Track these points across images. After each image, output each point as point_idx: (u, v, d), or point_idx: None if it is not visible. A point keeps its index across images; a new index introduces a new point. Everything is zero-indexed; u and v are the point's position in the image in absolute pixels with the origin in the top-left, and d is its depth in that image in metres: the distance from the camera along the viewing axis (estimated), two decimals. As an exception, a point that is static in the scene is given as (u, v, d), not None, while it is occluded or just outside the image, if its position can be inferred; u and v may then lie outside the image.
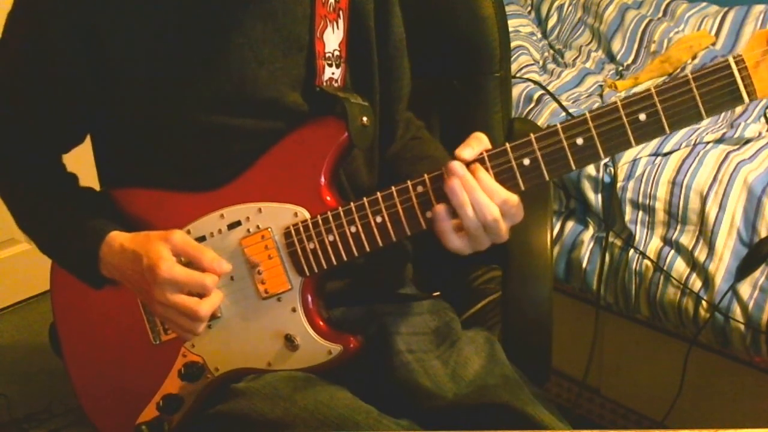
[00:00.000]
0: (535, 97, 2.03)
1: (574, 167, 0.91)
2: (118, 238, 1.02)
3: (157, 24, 0.98)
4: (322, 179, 1.02)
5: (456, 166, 0.92)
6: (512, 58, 2.21)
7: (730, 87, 0.86)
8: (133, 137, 1.07)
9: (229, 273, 1.01)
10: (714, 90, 0.86)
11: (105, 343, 1.12)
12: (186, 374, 1.07)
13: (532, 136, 0.91)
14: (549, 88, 2.08)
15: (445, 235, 0.94)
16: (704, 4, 2.33)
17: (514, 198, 0.92)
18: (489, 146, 0.94)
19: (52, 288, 1.17)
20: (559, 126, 0.90)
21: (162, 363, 1.08)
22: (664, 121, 0.88)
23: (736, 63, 0.85)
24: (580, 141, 0.90)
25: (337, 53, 1.07)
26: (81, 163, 1.19)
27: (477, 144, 0.94)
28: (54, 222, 1.08)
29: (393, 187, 0.97)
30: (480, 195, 0.91)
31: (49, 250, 1.11)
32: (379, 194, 0.98)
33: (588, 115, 0.90)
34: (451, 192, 0.92)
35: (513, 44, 2.20)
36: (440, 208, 0.93)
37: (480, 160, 0.93)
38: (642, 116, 0.88)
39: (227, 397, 1.04)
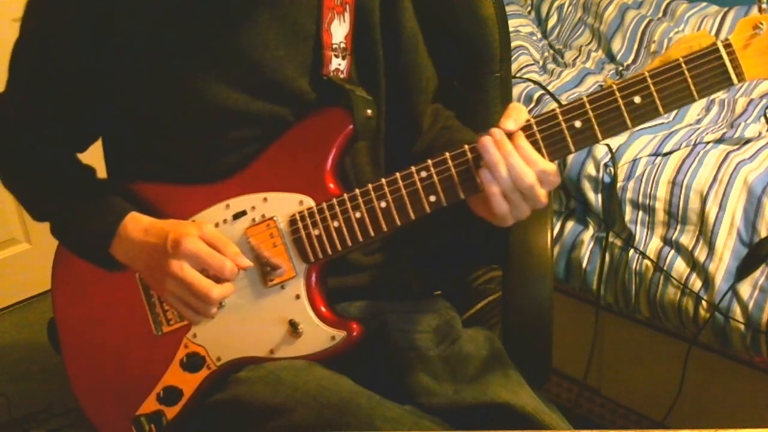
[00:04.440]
0: (535, 97, 2.03)
1: (572, 149, 0.94)
2: (145, 217, 1.04)
3: (167, 9, 1.01)
4: (327, 168, 1.04)
5: (494, 129, 0.93)
6: (512, 58, 2.21)
7: (719, 69, 0.90)
8: (140, 126, 1.08)
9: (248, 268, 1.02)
10: (704, 72, 0.90)
11: (105, 336, 1.12)
12: (187, 364, 1.07)
13: (532, 120, 0.94)
14: (549, 88, 2.08)
15: (492, 198, 0.94)
16: (704, 4, 2.33)
17: (550, 166, 0.94)
18: (527, 116, 0.95)
19: (53, 282, 1.17)
20: (557, 110, 0.93)
21: (163, 354, 1.09)
22: (658, 102, 0.91)
23: (725, 46, 0.90)
24: (578, 124, 0.93)
25: (342, 45, 1.08)
26: (88, 160, 1.19)
27: (517, 114, 0.95)
28: (75, 202, 1.09)
29: (397, 173, 0.99)
30: (516, 159, 0.92)
31: (64, 229, 1.11)
32: (383, 180, 0.99)
33: (585, 99, 0.93)
34: (483, 149, 0.93)
35: (513, 44, 2.20)
36: (485, 172, 0.94)
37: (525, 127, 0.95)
38: (637, 99, 0.91)
39: (227, 385, 1.04)
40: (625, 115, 0.92)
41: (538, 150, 0.94)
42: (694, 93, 0.91)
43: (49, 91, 1.07)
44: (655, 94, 0.91)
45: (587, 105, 0.92)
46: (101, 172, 1.18)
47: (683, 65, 0.90)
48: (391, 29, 1.12)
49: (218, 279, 0.98)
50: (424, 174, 0.97)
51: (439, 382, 1.06)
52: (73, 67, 1.04)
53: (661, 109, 0.91)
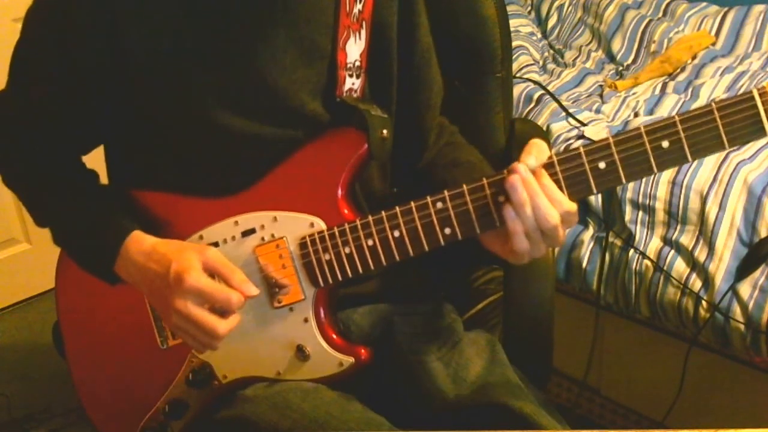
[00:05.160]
0: (535, 97, 2.03)
1: (595, 191, 0.91)
2: (148, 238, 1.00)
3: (179, 28, 0.98)
4: (340, 191, 1.01)
5: (520, 167, 0.90)
6: (512, 58, 2.20)
7: (753, 119, 0.85)
8: (150, 139, 1.06)
9: (255, 296, 0.98)
10: (737, 121, 0.85)
11: (110, 346, 1.11)
12: (193, 380, 1.06)
13: (555, 158, 0.91)
14: (549, 88, 2.08)
15: (515, 237, 0.91)
16: (704, 4, 2.33)
17: (574, 206, 0.91)
18: (548, 153, 0.92)
19: (57, 289, 1.15)
20: (582, 149, 0.90)
21: (169, 368, 1.07)
22: (686, 149, 0.87)
23: (761, 95, 0.85)
24: (602, 165, 0.89)
25: (357, 63, 1.06)
26: (90, 162, 1.17)
27: (538, 151, 0.92)
28: (75, 214, 1.07)
29: (412, 203, 0.96)
30: (542, 199, 0.89)
31: (66, 241, 1.09)
32: (398, 209, 0.97)
33: (611, 140, 0.89)
34: (511, 189, 0.90)
35: (513, 44, 2.20)
36: (509, 211, 0.91)
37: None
38: (665, 143, 0.87)
39: (234, 402, 1.03)
40: (652, 160, 0.88)
41: (560, 189, 0.90)
42: (725, 142, 0.86)
43: (50, 93, 1.05)
44: (684, 140, 0.87)
45: (613, 146, 0.88)
46: (102, 174, 1.16)
47: (715, 112, 0.85)
48: (406, 45, 1.09)
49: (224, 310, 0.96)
50: (440, 205, 0.95)
51: (440, 386, 1.06)
52: (76, 71, 1.01)
53: (689, 156, 0.87)
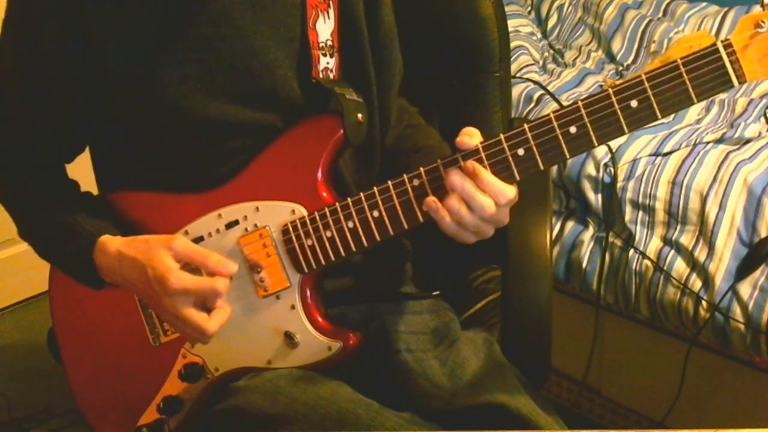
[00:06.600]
0: (535, 97, 2.03)
1: (568, 156, 0.92)
2: (112, 243, 1.01)
3: (147, 20, 0.98)
4: (319, 176, 1.02)
5: (455, 179, 0.93)
6: (512, 58, 2.21)
7: (719, 71, 0.87)
8: (129, 137, 1.06)
9: (236, 272, 1.00)
10: (704, 74, 0.87)
11: (104, 346, 1.12)
12: (186, 375, 1.07)
13: (526, 126, 0.92)
14: (549, 88, 2.08)
15: (449, 228, 0.95)
16: (704, 4, 2.33)
17: (511, 191, 0.94)
18: (481, 139, 0.96)
19: (50, 291, 1.16)
20: (552, 115, 0.91)
21: (162, 364, 1.08)
22: (655, 106, 0.89)
23: (725, 47, 0.86)
24: (573, 129, 0.91)
25: (330, 43, 1.07)
26: (80, 168, 1.18)
27: (472, 136, 0.95)
28: (49, 228, 1.07)
29: (389, 181, 0.97)
30: (480, 199, 0.92)
31: (47, 256, 1.11)
32: (375, 188, 0.98)
33: (580, 103, 0.90)
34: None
35: (513, 44, 2.20)
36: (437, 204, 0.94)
37: (475, 151, 0.94)
38: (633, 103, 0.89)
39: (226, 395, 1.04)
40: (622, 120, 0.89)
41: (532, 157, 0.92)
42: (693, 96, 0.88)
43: (28, 102, 1.05)
44: (652, 97, 0.88)
45: (582, 110, 0.90)
46: (90, 181, 1.16)
47: (681, 67, 0.87)
48: (372, 23, 1.10)
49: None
50: (416, 182, 0.96)
51: (437, 384, 1.06)
52: (52, 79, 1.02)
53: (658, 113, 0.89)
